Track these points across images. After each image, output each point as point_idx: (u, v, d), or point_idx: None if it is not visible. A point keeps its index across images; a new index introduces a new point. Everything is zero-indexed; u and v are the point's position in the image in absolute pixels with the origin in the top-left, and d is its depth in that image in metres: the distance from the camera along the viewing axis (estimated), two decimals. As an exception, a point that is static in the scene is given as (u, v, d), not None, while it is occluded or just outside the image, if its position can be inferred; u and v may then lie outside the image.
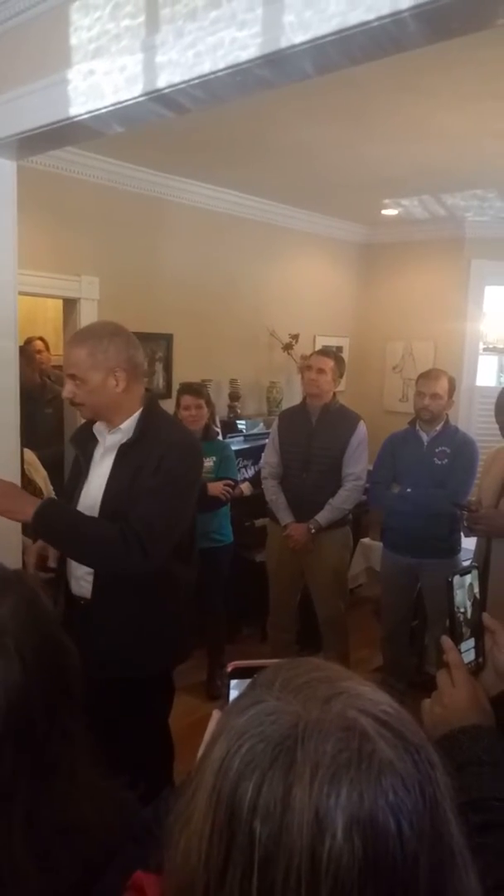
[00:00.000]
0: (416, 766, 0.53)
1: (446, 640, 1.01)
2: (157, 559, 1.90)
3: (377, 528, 4.04)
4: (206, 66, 1.63)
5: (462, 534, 3.38)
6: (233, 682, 0.77)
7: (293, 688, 0.56)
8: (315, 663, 0.60)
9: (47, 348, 4.91)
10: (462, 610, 1.04)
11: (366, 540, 4.54)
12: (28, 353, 4.35)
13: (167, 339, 4.48)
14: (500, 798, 0.80)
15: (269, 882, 0.49)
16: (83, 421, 2.22)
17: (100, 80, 1.88)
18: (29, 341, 4.87)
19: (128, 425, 2.01)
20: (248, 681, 0.71)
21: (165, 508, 1.93)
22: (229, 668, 0.77)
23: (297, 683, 0.57)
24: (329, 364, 3.58)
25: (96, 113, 1.93)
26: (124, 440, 1.99)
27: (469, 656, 1.03)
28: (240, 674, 0.77)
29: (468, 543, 3.44)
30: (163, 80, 1.73)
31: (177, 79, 1.70)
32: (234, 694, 0.76)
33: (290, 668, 0.59)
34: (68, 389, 1.99)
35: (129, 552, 1.86)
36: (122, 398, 1.98)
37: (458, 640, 1.02)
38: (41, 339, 4.96)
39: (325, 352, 3.83)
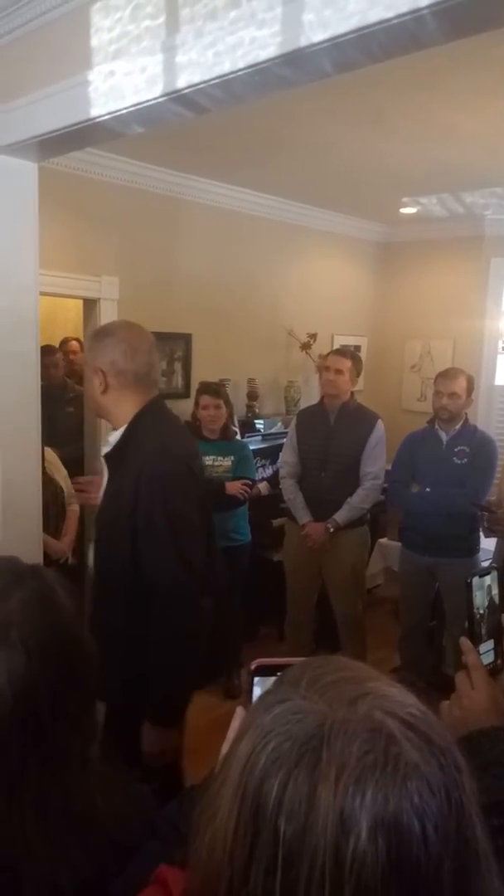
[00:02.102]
0: (442, 769, 0.53)
1: (465, 642, 1.01)
2: (195, 604, 1.85)
3: (395, 527, 4.03)
4: (225, 66, 1.64)
5: (482, 534, 3.37)
6: (256, 680, 0.77)
7: (319, 687, 0.56)
8: (342, 662, 0.60)
9: (82, 349, 4.97)
10: (481, 611, 1.04)
11: (384, 540, 4.52)
12: (50, 351, 4.39)
13: (186, 339, 4.50)
14: None
15: (292, 879, 0.49)
16: (103, 420, 2.22)
17: (120, 81, 1.89)
18: (65, 341, 4.94)
19: (115, 437, 1.94)
20: (271, 678, 0.72)
21: (174, 552, 1.82)
22: (253, 666, 0.78)
23: (324, 682, 0.57)
24: (347, 364, 3.57)
25: (117, 114, 1.94)
26: (107, 451, 1.96)
27: (488, 658, 1.03)
28: (263, 671, 0.77)
29: (487, 544, 3.42)
30: (183, 81, 1.74)
31: (196, 79, 1.71)
32: (257, 691, 0.76)
33: (317, 667, 0.59)
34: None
35: (185, 615, 1.81)
36: (105, 402, 1.92)
37: (476, 641, 1.02)
38: (77, 339, 5.02)
39: (343, 351, 3.83)
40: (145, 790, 1.04)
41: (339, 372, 3.55)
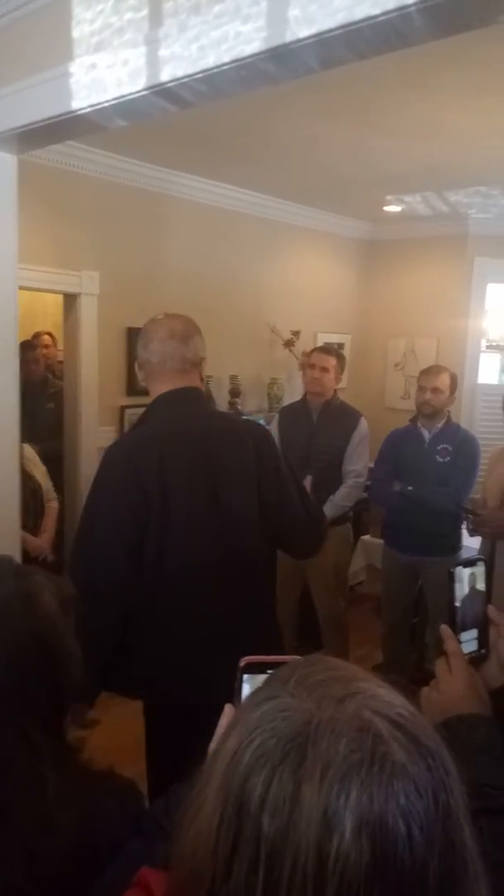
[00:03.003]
0: (430, 771, 0.52)
1: (445, 629, 1.01)
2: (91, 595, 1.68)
3: (378, 525, 4.04)
4: (209, 60, 1.62)
5: (466, 532, 3.38)
6: (245, 677, 0.77)
7: (309, 685, 0.56)
8: (333, 662, 0.60)
9: (54, 343, 4.91)
10: (457, 602, 1.04)
11: (366, 537, 4.53)
12: (31, 346, 4.35)
13: (168, 335, 4.46)
14: (493, 786, 0.80)
15: (275, 877, 0.49)
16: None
17: (102, 74, 1.87)
18: (37, 335, 4.88)
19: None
20: (260, 676, 0.71)
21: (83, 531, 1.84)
22: (242, 664, 0.78)
23: (313, 681, 0.56)
24: (332, 362, 3.58)
25: (98, 107, 1.92)
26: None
27: (470, 647, 1.03)
28: (252, 669, 0.77)
29: (470, 541, 3.44)
30: (166, 74, 1.72)
31: (180, 73, 1.69)
32: (245, 689, 0.76)
33: (308, 666, 0.59)
34: None
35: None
36: (148, 390, 2.03)
37: (457, 629, 1.02)
38: (49, 333, 4.97)
39: (327, 349, 3.82)
40: (129, 784, 1.02)
41: (324, 370, 3.55)
